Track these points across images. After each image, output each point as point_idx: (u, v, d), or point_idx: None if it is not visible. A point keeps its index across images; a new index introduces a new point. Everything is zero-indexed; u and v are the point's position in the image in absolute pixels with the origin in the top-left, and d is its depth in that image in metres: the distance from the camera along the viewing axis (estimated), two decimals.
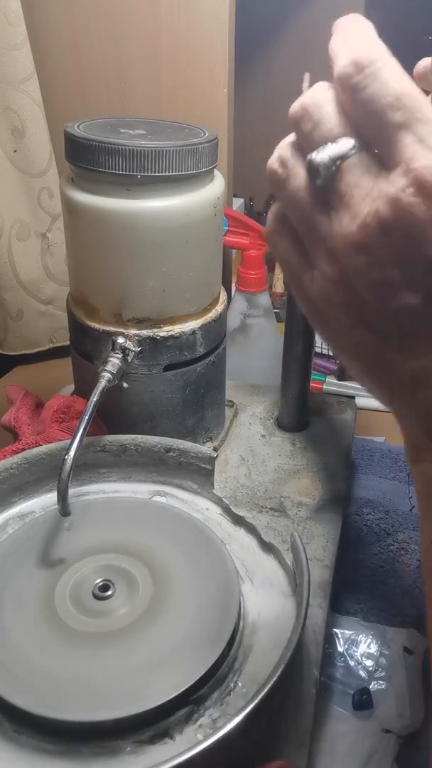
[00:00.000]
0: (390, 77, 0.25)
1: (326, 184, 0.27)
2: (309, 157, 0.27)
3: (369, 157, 0.27)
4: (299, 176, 0.29)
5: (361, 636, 0.52)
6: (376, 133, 0.26)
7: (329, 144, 0.27)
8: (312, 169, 0.27)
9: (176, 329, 0.54)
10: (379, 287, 0.27)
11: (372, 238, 0.26)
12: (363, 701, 0.47)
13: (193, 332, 0.54)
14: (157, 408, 0.56)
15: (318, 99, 0.28)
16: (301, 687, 0.41)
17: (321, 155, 0.27)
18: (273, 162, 0.30)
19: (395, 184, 0.25)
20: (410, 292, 0.26)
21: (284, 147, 0.30)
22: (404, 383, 0.29)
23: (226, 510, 0.53)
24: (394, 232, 0.25)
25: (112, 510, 0.52)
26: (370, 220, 0.25)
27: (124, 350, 0.52)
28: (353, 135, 0.27)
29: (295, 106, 0.28)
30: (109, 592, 0.44)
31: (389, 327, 0.28)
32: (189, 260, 0.52)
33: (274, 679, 0.36)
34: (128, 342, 0.53)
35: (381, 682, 0.49)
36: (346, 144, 0.27)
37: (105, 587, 0.44)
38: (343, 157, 0.27)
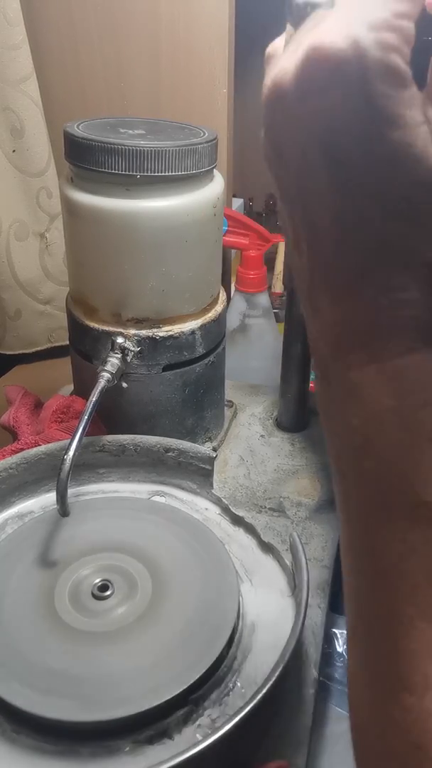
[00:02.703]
0: None
1: (293, 29, 0.25)
2: None
3: None
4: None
5: None
6: None
7: None
8: (287, 5, 0.25)
9: (175, 329, 0.54)
10: (272, 153, 0.26)
11: (267, 100, 0.24)
12: None
13: (193, 332, 0.54)
14: (156, 408, 0.56)
15: None
16: (300, 687, 0.41)
17: None
18: None
19: (300, 47, 0.22)
20: (287, 169, 0.25)
21: None
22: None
23: (226, 510, 0.53)
24: (275, 102, 0.24)
25: (111, 510, 0.52)
26: (272, 79, 0.24)
27: (124, 350, 0.52)
28: None
29: None
30: (108, 592, 0.44)
31: (291, 198, 0.26)
32: (188, 260, 0.52)
33: (273, 679, 0.36)
34: (127, 342, 0.52)
35: None
36: None
37: (104, 587, 0.44)
38: (313, 5, 0.24)
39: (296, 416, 0.64)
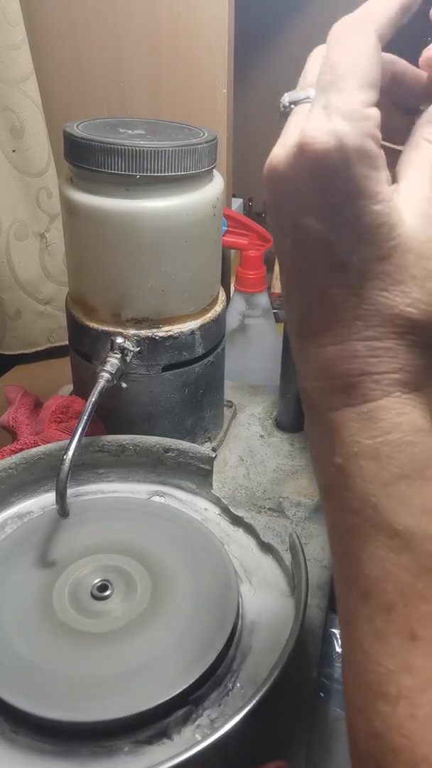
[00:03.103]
0: (352, 44, 0.26)
1: (282, 123, 0.29)
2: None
3: None
4: None
5: None
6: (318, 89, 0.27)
7: (296, 90, 0.29)
8: (279, 107, 0.30)
9: (175, 329, 0.54)
10: (273, 223, 0.29)
11: (267, 181, 0.28)
12: None
13: (192, 332, 0.54)
14: (155, 408, 0.56)
15: (316, 53, 0.30)
16: (300, 687, 0.41)
17: (285, 96, 0.29)
18: None
19: (294, 140, 0.26)
20: (284, 237, 0.28)
21: None
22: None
23: (225, 510, 0.53)
24: (273, 184, 0.27)
25: (110, 510, 0.52)
26: (268, 164, 0.27)
27: (123, 350, 0.52)
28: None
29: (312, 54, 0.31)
30: (108, 593, 0.44)
31: (286, 262, 0.29)
32: (188, 260, 0.52)
33: (273, 679, 0.36)
34: (127, 342, 0.52)
35: None
36: (305, 92, 0.28)
37: (103, 587, 0.44)
38: (295, 102, 0.28)
39: (296, 416, 0.64)
